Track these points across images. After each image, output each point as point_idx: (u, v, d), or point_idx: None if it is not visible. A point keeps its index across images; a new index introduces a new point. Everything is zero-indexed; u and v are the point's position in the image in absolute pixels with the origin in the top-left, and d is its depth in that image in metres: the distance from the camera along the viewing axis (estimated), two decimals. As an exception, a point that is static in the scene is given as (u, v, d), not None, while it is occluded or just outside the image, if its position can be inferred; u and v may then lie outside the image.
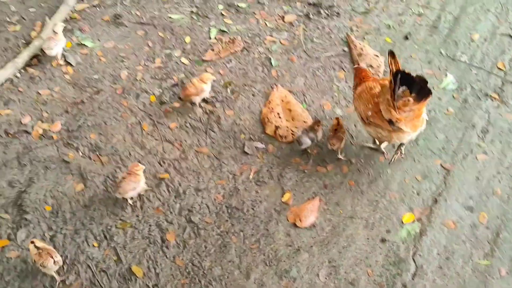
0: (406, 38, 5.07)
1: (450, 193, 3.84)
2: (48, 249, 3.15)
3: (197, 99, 4.29)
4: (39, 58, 4.82)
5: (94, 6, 5.50)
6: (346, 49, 5.01)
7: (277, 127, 4.18)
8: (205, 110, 4.39)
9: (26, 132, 4.18)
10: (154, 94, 4.56)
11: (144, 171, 3.68)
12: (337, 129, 3.84)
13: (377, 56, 4.82)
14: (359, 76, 3.84)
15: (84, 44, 5.02)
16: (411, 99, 3.24)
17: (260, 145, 4.10)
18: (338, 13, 5.45)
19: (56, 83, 4.62)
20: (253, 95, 4.55)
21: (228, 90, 4.58)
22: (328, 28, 5.24)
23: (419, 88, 3.19)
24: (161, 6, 5.57)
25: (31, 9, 5.36)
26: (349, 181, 3.89)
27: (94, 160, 3.99)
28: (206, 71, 4.72)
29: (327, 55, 4.93)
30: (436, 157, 4.05)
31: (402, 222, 3.67)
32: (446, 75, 4.66)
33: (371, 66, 4.70)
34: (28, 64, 4.73)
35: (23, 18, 5.24)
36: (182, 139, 4.17)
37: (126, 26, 5.28)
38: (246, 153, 4.04)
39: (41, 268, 3.12)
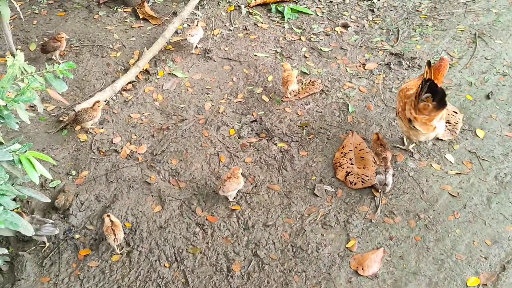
0: (488, 97, 5.02)
1: (522, 263, 3.73)
2: (116, 226, 3.68)
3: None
4: (134, 84, 5.28)
5: (185, 39, 5.94)
6: (424, 102, 5.05)
7: (348, 173, 4.28)
8: (280, 148, 4.58)
9: (116, 151, 4.57)
10: (233, 127, 4.83)
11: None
12: (379, 143, 4.21)
13: (455, 112, 4.80)
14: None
15: (174, 74, 5.43)
16: (430, 104, 3.76)
17: (330, 189, 4.21)
18: (419, 65, 5.50)
19: (146, 108, 5.03)
20: (327, 138, 4.69)
21: (304, 131, 4.76)
22: (408, 79, 5.31)
23: (440, 98, 3.68)
24: (248, 44, 5.91)
25: (132, 38, 5.89)
26: (416, 236, 3.88)
27: (173, 185, 4.29)
28: (285, 110, 4.96)
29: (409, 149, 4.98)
30: (508, 223, 3.94)
31: (467, 285, 3.60)
32: (527, 139, 4.56)
33: (448, 122, 4.70)
34: (124, 88, 5.20)
35: (124, 46, 5.77)
36: (256, 174, 4.38)
37: (214, 61, 5.65)
38: (315, 195, 4.16)
39: (106, 238, 3.70)
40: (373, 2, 6.72)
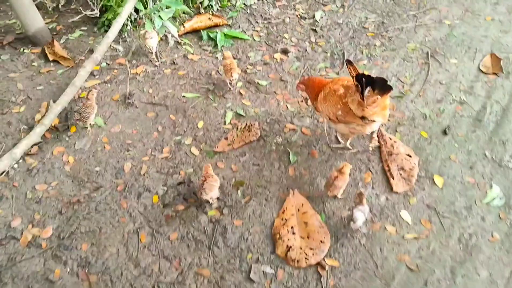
0: (445, 132, 4.44)
1: None
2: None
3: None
4: (40, 146, 4.50)
5: (105, 82, 5.18)
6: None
7: (289, 247, 3.63)
8: (211, 218, 3.90)
9: (14, 238, 3.81)
10: (157, 193, 4.12)
11: None
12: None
13: (409, 156, 4.22)
14: (313, 85, 4.15)
15: (87, 127, 4.67)
16: (378, 96, 3.56)
17: (269, 270, 3.56)
18: (368, 96, 4.90)
19: (55, 176, 4.26)
20: (266, 199, 4.03)
21: (239, 192, 4.09)
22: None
23: (380, 85, 3.52)
24: (176, 83, 5.20)
25: (39, 87, 5.08)
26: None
27: (82, 279, 3.55)
28: (217, 166, 4.29)
29: (353, 151, 4.36)
30: (477, 300, 3.39)
31: None
32: (491, 186, 3.99)
33: (402, 168, 4.11)
34: (28, 153, 4.42)
35: (29, 97, 4.96)
36: (182, 255, 3.69)
37: (136, 107, 4.91)
38: (251, 280, 3.50)
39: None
40: (316, 21, 6.08)
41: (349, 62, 3.83)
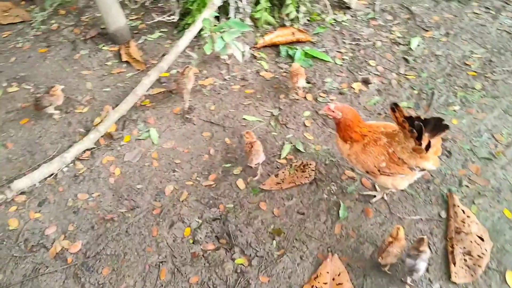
0: (536, 219, 3.63)
1: None
2: None
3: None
4: (92, 151, 4.47)
5: (170, 91, 5.02)
6: (443, 214, 3.77)
7: (312, 325, 3.20)
8: (237, 268, 3.57)
9: (45, 247, 3.80)
10: (190, 225, 3.88)
11: None
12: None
13: (481, 239, 3.50)
14: (351, 119, 3.49)
15: (142, 139, 4.55)
16: (436, 137, 3.19)
17: None
18: (449, 152, 4.18)
19: (98, 187, 4.20)
20: (301, 257, 3.60)
21: (274, 243, 3.70)
22: (428, 174, 4.02)
23: (434, 125, 3.13)
24: (240, 102, 4.89)
25: (106, 88, 5.07)
26: None
27: (93, 308, 3.45)
28: (259, 207, 3.93)
29: (415, 218, 3.74)
30: None
31: None
32: None
33: (469, 253, 3.42)
34: (80, 157, 4.41)
35: (95, 98, 4.97)
36: (197, 305, 3.42)
37: (194, 124, 4.70)
38: None
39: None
40: (410, 48, 5.36)
41: (395, 105, 3.25)
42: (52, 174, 4.26)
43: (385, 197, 3.90)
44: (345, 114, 3.48)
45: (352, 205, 3.90)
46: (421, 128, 3.09)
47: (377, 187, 4.00)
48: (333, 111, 3.49)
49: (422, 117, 3.13)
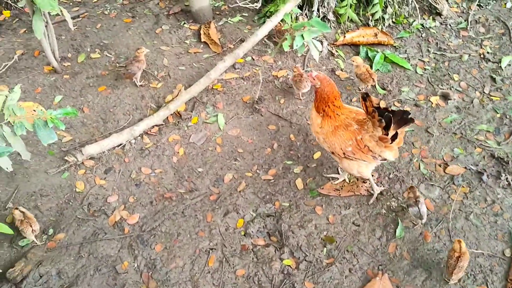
0: None
1: None
2: (30, 218, 3.67)
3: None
4: (160, 128, 4.60)
5: (242, 78, 5.03)
6: (507, 252, 3.57)
7: None
8: (284, 268, 3.58)
9: (105, 213, 3.99)
10: (244, 217, 3.92)
11: None
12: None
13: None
14: (328, 90, 3.64)
15: (209, 124, 4.62)
16: (401, 129, 3.37)
17: None
18: (525, 188, 3.93)
19: (161, 164, 4.33)
20: (350, 270, 3.55)
21: (325, 250, 3.67)
22: (497, 207, 3.81)
23: (400, 117, 3.30)
24: (310, 99, 4.82)
25: (181, 67, 5.15)
26: None
27: (143, 281, 3.58)
28: (315, 210, 3.90)
29: (476, 251, 3.57)
30: None
31: None
32: None
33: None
34: (148, 131, 4.55)
35: (169, 75, 5.07)
36: (241, 296, 3.48)
37: (261, 115, 4.70)
38: None
39: (22, 233, 3.66)
40: (500, 67, 5.03)
41: (366, 95, 3.42)
42: (120, 144, 4.43)
43: (347, 179, 4.10)
44: (323, 85, 3.64)
45: (410, 226, 3.78)
46: (390, 119, 3.24)
47: (339, 170, 4.16)
48: (314, 79, 3.67)
49: (390, 109, 3.29)
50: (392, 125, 3.30)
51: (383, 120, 3.28)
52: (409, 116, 3.29)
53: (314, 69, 5.14)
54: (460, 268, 3.24)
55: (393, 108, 3.27)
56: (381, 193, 3.99)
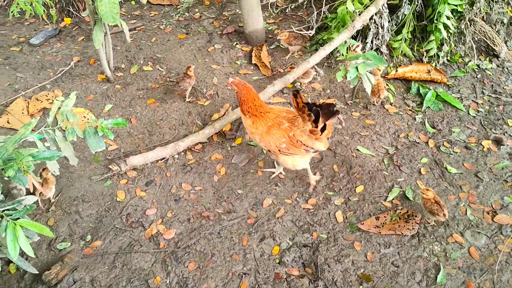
0: None
1: None
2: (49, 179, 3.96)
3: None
4: (204, 145, 4.62)
5: (289, 103, 5.02)
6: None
7: None
8: (315, 305, 3.48)
9: (142, 226, 4.01)
10: (280, 245, 3.86)
11: None
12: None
13: None
14: (246, 94, 3.89)
15: (253, 145, 4.61)
16: (329, 121, 3.77)
17: None
18: None
19: (202, 181, 4.34)
20: (384, 314, 3.42)
21: (359, 289, 3.56)
22: (550, 265, 3.60)
23: (327, 110, 3.68)
24: (357, 131, 4.76)
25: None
26: None
27: (173, 299, 3.56)
28: (353, 246, 3.79)
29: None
30: None
31: None
32: None
33: None
34: (191, 148, 4.58)
35: (217, 94, 5.11)
36: (269, 328, 3.39)
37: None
38: None
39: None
40: (559, 115, 4.83)
41: (297, 92, 3.71)
42: (163, 158, 4.47)
43: (283, 172, 4.39)
44: (239, 89, 3.89)
45: (453, 273, 3.61)
46: (318, 112, 3.62)
47: (275, 164, 4.46)
48: (231, 85, 3.94)
49: (317, 103, 3.66)
50: (321, 118, 3.66)
51: (312, 114, 3.62)
52: (335, 109, 3.66)
53: (362, 101, 5.08)
54: None
55: (318, 102, 3.73)
56: (423, 235, 3.85)
